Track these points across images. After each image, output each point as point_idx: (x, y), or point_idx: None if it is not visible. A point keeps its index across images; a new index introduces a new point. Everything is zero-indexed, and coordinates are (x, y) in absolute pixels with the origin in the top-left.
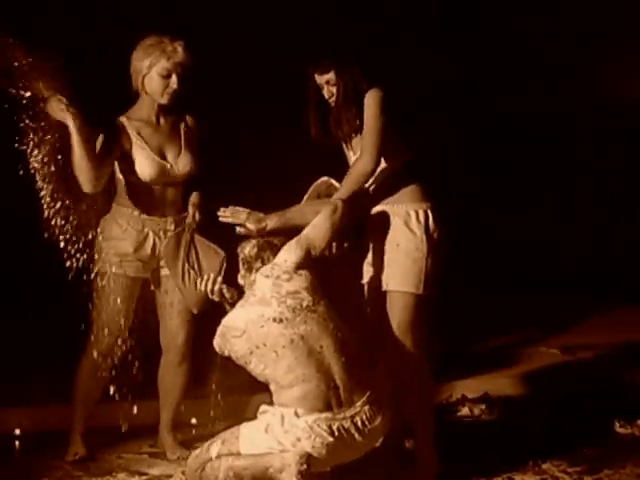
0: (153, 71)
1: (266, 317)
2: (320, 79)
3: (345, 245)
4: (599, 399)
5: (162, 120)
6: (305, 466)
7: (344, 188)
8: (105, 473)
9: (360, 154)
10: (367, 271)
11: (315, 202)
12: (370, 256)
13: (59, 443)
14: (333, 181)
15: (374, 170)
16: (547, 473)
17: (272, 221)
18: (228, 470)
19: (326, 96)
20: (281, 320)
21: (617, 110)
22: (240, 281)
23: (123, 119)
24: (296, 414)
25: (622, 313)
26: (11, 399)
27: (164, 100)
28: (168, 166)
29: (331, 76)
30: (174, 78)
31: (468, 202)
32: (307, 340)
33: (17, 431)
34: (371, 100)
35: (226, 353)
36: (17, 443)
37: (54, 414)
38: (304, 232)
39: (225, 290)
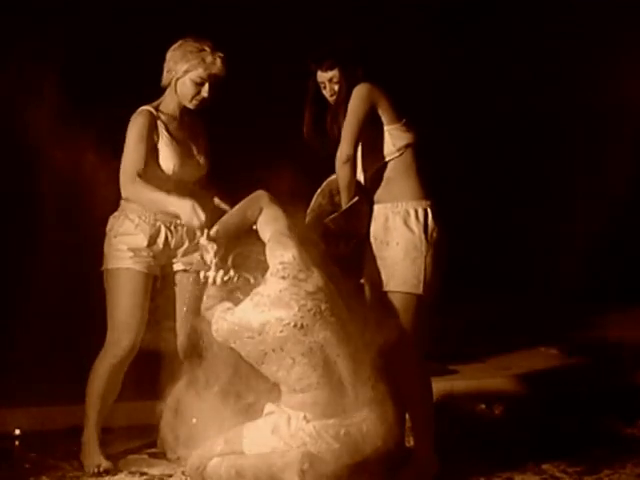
0: (187, 77)
1: (286, 322)
2: (323, 77)
3: (350, 244)
4: (599, 399)
5: (185, 118)
6: (307, 465)
7: (339, 184)
8: (105, 473)
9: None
10: (368, 270)
11: (240, 205)
12: (371, 255)
13: (59, 443)
14: None
15: (350, 155)
16: (547, 473)
17: (217, 232)
18: (230, 468)
19: (327, 94)
20: (302, 326)
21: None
22: (235, 279)
23: (152, 111)
24: (305, 418)
25: (622, 313)
26: (11, 399)
27: (192, 106)
28: (190, 163)
29: (335, 74)
30: (206, 87)
31: (468, 202)
32: (325, 349)
33: (17, 431)
34: (355, 94)
35: (232, 345)
36: (17, 443)
37: (54, 414)
38: (272, 229)
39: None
